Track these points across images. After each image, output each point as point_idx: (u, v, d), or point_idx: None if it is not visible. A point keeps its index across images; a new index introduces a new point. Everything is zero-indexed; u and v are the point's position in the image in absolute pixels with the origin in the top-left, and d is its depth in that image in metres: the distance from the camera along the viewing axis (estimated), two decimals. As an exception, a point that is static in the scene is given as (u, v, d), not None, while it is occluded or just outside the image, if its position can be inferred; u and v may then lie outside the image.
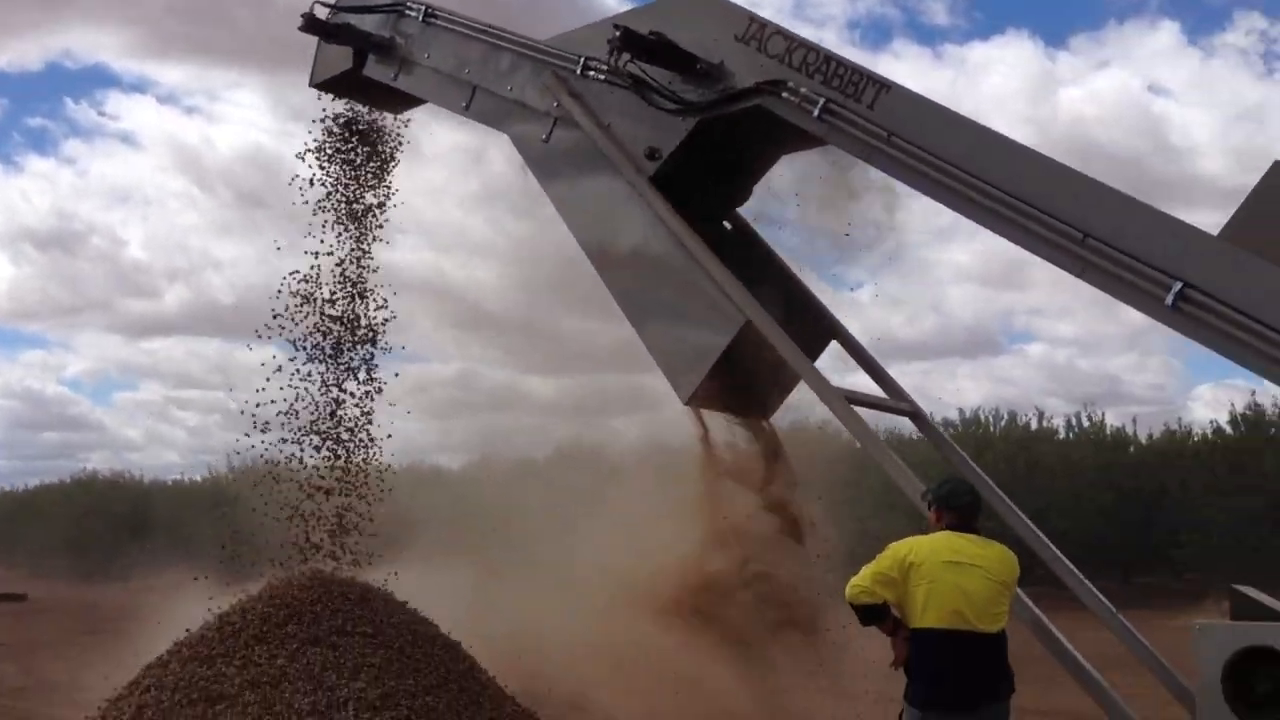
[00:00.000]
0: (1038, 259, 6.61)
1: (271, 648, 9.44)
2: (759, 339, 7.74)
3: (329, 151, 11.66)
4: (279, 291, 11.42)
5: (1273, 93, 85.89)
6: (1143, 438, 33.25)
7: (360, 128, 11.78)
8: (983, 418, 31.95)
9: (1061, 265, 6.51)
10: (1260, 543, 25.63)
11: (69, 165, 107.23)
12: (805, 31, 7.86)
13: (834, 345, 8.86)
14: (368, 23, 10.60)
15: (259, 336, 11.39)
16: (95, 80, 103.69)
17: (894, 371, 8.68)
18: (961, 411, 32.68)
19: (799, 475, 8.71)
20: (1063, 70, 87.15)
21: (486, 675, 10.35)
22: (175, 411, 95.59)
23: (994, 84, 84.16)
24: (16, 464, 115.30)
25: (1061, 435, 31.73)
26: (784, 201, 9.49)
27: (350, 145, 11.72)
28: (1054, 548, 7.44)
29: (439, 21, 10.11)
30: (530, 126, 9.34)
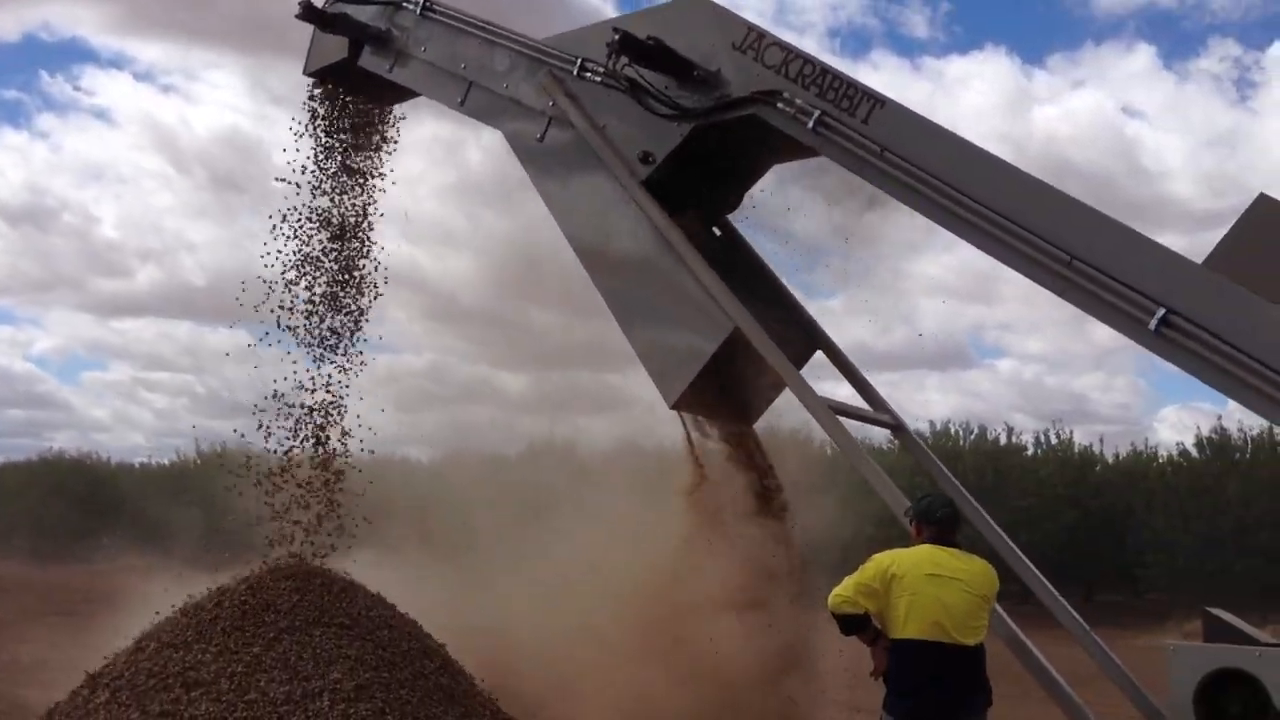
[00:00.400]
0: (1008, 274, 6.72)
1: (247, 636, 9.43)
2: (746, 346, 7.82)
3: (326, 122, 11.64)
4: (269, 268, 11.38)
5: (1244, 119, 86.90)
6: (1109, 457, 33.68)
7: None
8: (953, 430, 32.26)
9: (1046, 285, 6.62)
10: (1224, 566, 25.95)
11: (42, 139, 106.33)
12: (785, 38, 7.88)
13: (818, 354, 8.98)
14: (365, 13, 10.60)
15: (249, 313, 11.29)
16: (72, 55, 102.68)
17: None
18: (932, 424, 33.02)
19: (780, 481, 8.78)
20: (1039, 88, 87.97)
21: (460, 669, 10.38)
22: (143, 393, 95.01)
23: (971, 99, 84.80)
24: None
25: (1030, 452, 32.01)
26: (762, 208, 9.60)
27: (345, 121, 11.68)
28: (1029, 563, 7.56)
29: (437, 16, 10.13)
30: (525, 125, 9.37)
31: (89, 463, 52.19)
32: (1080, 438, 46.87)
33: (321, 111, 11.67)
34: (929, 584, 5.80)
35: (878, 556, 6.02)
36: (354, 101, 11.66)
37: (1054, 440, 32.41)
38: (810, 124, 7.58)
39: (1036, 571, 7.47)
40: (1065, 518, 28.86)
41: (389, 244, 11.76)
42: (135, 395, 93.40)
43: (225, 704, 8.85)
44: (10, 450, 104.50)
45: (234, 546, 11.40)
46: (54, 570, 34.74)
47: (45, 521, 43.38)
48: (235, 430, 11.30)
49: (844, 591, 5.95)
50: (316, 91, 11.65)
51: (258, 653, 9.26)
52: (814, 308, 9.22)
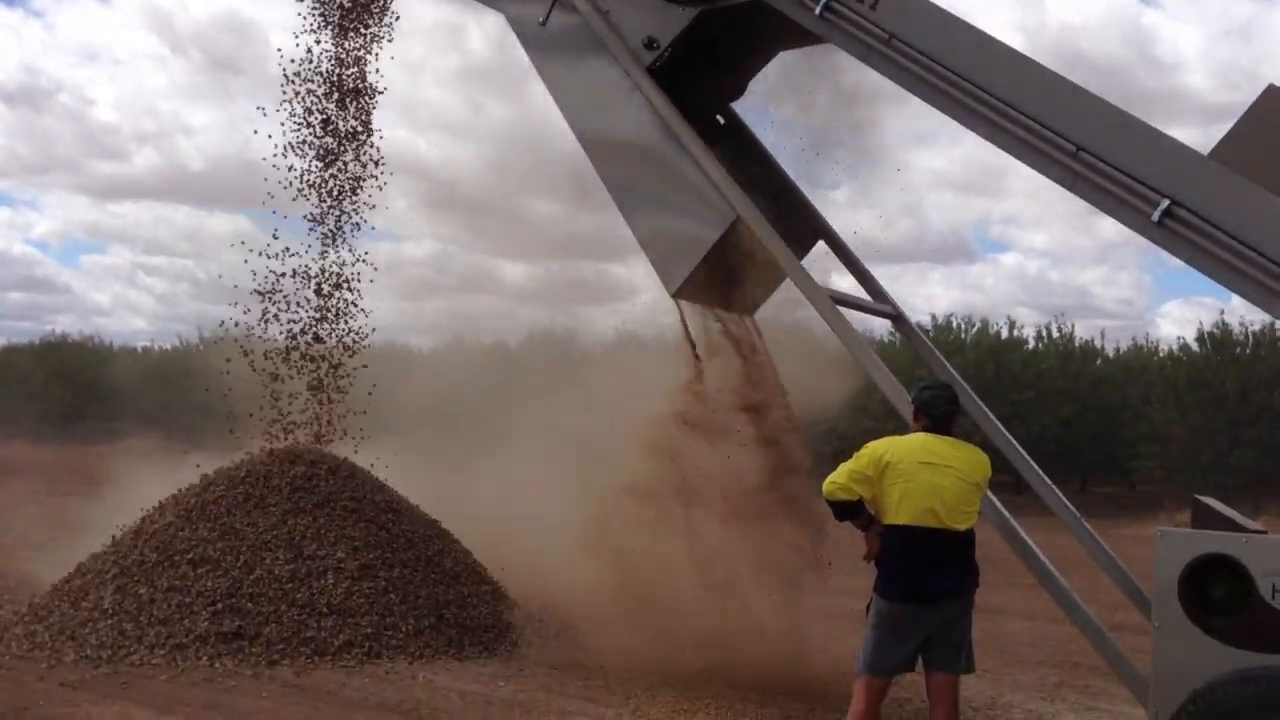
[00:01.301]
0: (1014, 167, 6.69)
1: (253, 515, 9.62)
2: (748, 235, 7.81)
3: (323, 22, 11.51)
4: (276, 153, 11.35)
5: (1262, 10, 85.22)
6: (1110, 351, 33.76)
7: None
8: (954, 324, 32.21)
9: (1052, 177, 6.57)
10: (1218, 458, 26.19)
11: (36, 18, 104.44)
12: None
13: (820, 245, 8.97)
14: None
15: (250, 197, 11.38)
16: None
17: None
18: (933, 317, 32.97)
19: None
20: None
21: (463, 551, 10.59)
22: (143, 277, 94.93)
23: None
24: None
25: (1031, 345, 32.03)
26: (766, 95, 9.50)
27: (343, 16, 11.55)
28: (1024, 452, 7.64)
29: (438, -105, 9.91)
30: (527, 7, 9.21)
31: (92, 346, 52.34)
32: (1082, 332, 47.09)
33: None
34: (923, 471, 5.88)
35: (872, 444, 6.10)
36: None
37: (1055, 334, 32.43)
38: (817, 9, 7.45)
39: (1030, 460, 7.55)
40: (1063, 411, 29.01)
41: (389, 130, 11.71)
42: (135, 279, 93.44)
43: (232, 579, 9.09)
44: (12, 333, 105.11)
45: (237, 431, 11.51)
46: (57, 451, 35.09)
47: (47, 404, 43.69)
48: (241, 314, 11.30)
49: (838, 478, 6.04)
50: None
51: (264, 532, 9.46)
52: (817, 199, 9.20)
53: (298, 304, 11.51)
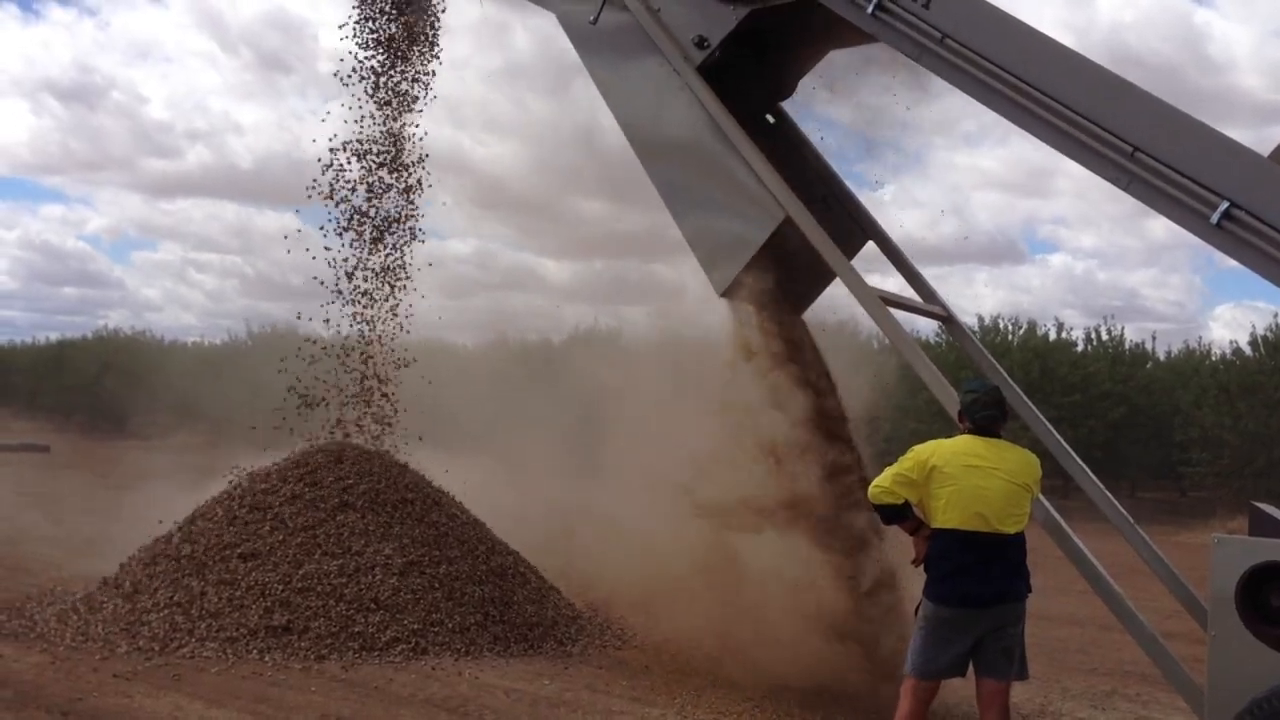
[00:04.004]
0: (1063, 168, 6.61)
1: (303, 511, 9.71)
2: (797, 235, 7.78)
3: (370, 31, 11.57)
4: (331, 152, 11.42)
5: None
6: (1161, 355, 33.29)
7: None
8: (1002, 326, 31.89)
9: (1107, 177, 6.49)
10: (1271, 463, 25.75)
11: (90, 16, 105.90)
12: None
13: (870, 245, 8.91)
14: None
15: (298, 195, 11.44)
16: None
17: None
18: (980, 319, 32.64)
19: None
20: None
21: (507, 548, 10.62)
22: (193, 274, 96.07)
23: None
24: (36, 316, 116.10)
25: (1080, 348, 31.64)
26: (814, 95, 9.46)
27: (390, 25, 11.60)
28: (1075, 455, 7.56)
29: (489, -106, 9.95)
30: (578, 6, 9.24)
31: (143, 340, 53.00)
32: (1132, 335, 46.52)
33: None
34: (969, 474, 5.82)
35: (917, 448, 6.04)
36: None
37: (1104, 337, 32.03)
38: (869, 8, 7.40)
39: (1082, 464, 7.47)
40: (1112, 414, 28.66)
41: (434, 128, 11.75)
42: (185, 275, 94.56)
43: (281, 574, 9.17)
44: (66, 327, 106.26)
45: (286, 426, 11.61)
46: (110, 445, 35.59)
47: (100, 398, 44.29)
48: (294, 314, 11.40)
49: (883, 482, 6.00)
50: None
51: (311, 528, 9.55)
52: (865, 198, 9.15)
53: (349, 302, 11.59)
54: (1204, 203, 6.02)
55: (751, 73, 8.82)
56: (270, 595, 9.01)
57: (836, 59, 9.17)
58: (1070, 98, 6.54)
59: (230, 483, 10.50)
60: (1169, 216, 6.24)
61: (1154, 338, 49.86)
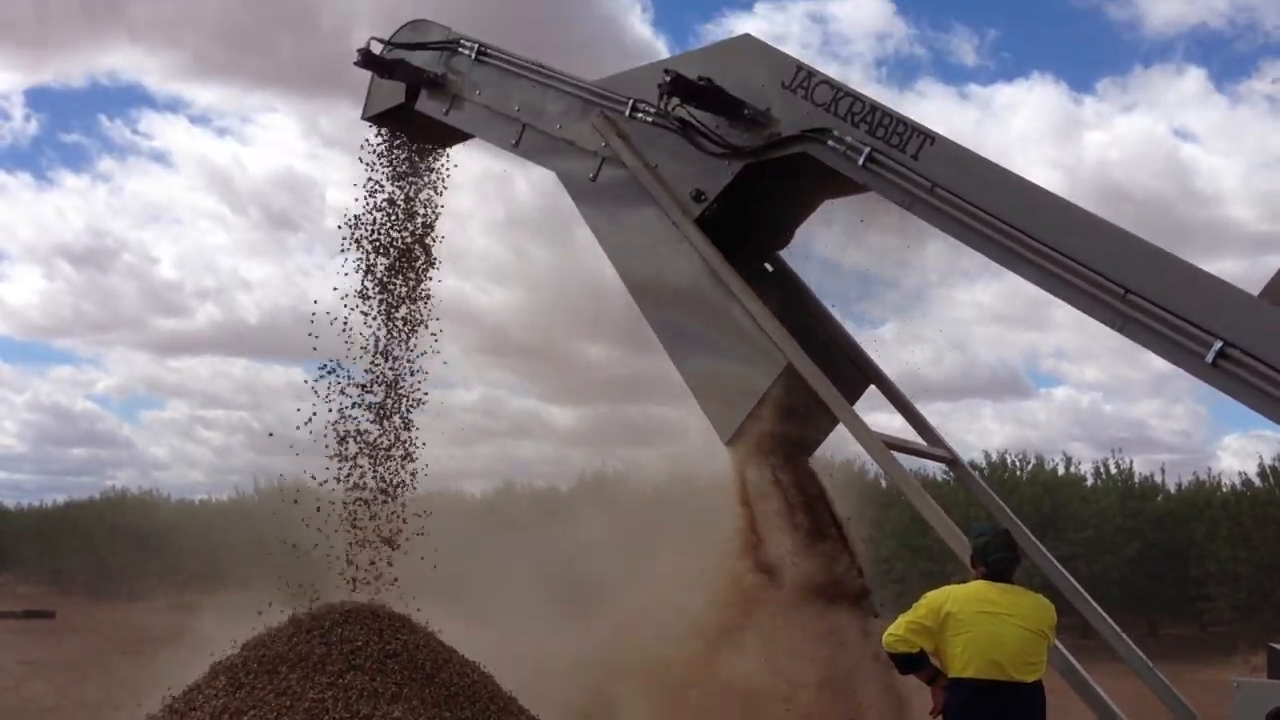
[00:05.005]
0: (1058, 300, 6.71)
1: (310, 674, 9.54)
2: (800, 381, 7.86)
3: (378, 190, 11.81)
4: (346, 311, 11.52)
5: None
6: (1171, 486, 33.14)
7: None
8: (1009, 461, 31.85)
9: (1102, 319, 6.59)
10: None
11: (103, 182, 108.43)
12: (831, 69, 7.94)
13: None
14: (421, 59, 10.81)
15: (304, 350, 11.46)
16: (130, 99, 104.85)
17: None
18: (987, 454, 32.61)
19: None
20: (1088, 114, 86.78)
21: (521, 709, 10.40)
22: (200, 430, 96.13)
23: (1019, 125, 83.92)
24: (43, 479, 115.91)
25: (1089, 482, 31.55)
26: (812, 240, 9.64)
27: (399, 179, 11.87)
28: (1088, 596, 7.50)
29: (491, 60, 10.30)
30: (578, 164, 9.50)
31: (149, 500, 52.89)
32: (1140, 467, 46.21)
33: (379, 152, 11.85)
34: (983, 621, 5.77)
35: (930, 594, 6.01)
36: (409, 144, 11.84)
37: (1113, 470, 31.95)
38: (860, 161, 7.63)
39: (1096, 605, 7.41)
40: (1126, 550, 28.40)
41: (438, 280, 11.87)
42: (193, 433, 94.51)
43: (288, 741, 8.94)
44: (74, 489, 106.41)
45: (295, 583, 11.49)
46: (115, 609, 35.21)
47: (107, 560, 44.00)
48: (301, 470, 11.39)
49: (897, 630, 5.95)
50: (374, 136, 11.85)
51: (319, 691, 9.36)
52: (864, 337, 9.26)
53: (357, 457, 11.60)
54: (1198, 342, 6.12)
55: (749, 223, 9.01)
56: (277, 762, 8.79)
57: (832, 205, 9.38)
58: (1060, 242, 6.70)
59: (235, 645, 10.34)
60: (1164, 356, 6.33)
61: (1163, 470, 49.46)
